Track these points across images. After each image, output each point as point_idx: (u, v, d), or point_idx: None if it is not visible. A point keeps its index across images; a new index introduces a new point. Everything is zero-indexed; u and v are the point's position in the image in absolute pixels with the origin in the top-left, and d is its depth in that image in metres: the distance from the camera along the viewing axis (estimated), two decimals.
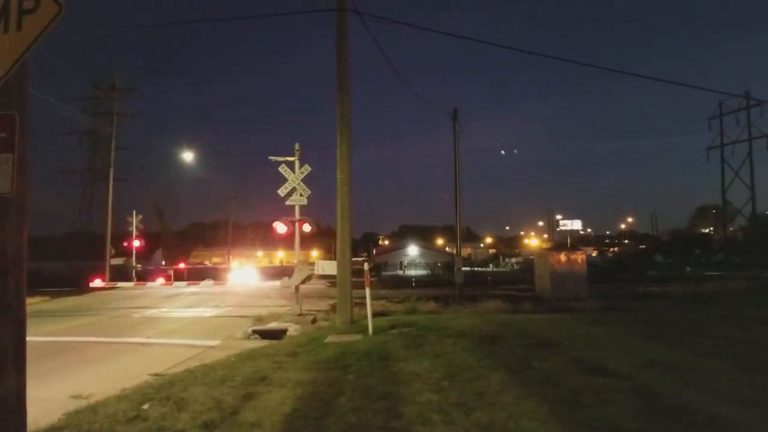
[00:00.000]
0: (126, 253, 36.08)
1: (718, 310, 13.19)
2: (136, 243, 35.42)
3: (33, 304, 18.12)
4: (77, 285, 28.69)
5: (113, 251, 33.69)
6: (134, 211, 36.07)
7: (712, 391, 5.39)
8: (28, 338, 2.93)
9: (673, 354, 7.30)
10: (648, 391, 5.36)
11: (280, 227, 14.88)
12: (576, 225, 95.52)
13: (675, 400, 5.03)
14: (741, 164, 44.58)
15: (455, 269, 21.28)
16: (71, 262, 37.77)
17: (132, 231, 35.62)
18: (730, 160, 45.32)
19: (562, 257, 19.99)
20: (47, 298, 20.98)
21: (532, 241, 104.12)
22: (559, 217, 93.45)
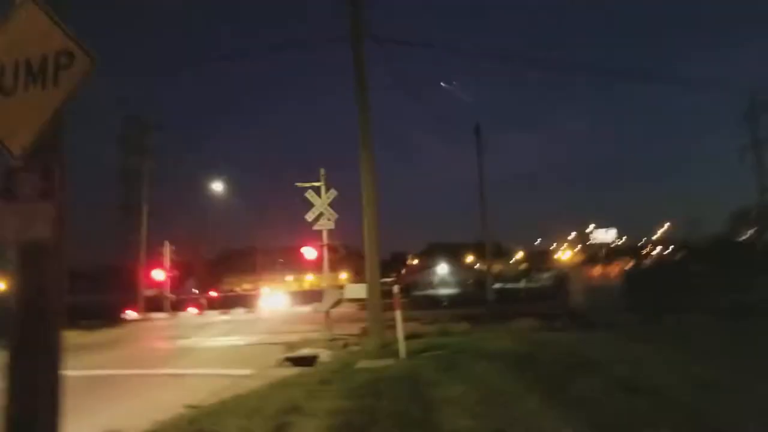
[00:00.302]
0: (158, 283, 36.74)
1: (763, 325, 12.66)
2: (160, 274, 35.81)
3: (68, 338, 18.39)
4: (111, 317, 29.29)
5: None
6: (167, 242, 36.87)
7: (759, 411, 5.16)
8: (64, 372, 3.01)
9: (715, 371, 7.02)
10: (695, 412, 5.16)
11: (309, 252, 15.03)
12: (610, 234, 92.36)
13: (720, 421, 4.83)
14: None
15: (487, 287, 21.04)
16: (106, 294, 38.69)
17: (166, 261, 36.35)
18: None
19: (596, 271, 19.59)
20: (82, 331, 21.48)
21: (565, 254, 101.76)
22: (591, 227, 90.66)
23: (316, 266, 23.35)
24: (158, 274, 36.16)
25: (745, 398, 5.63)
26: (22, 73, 2.70)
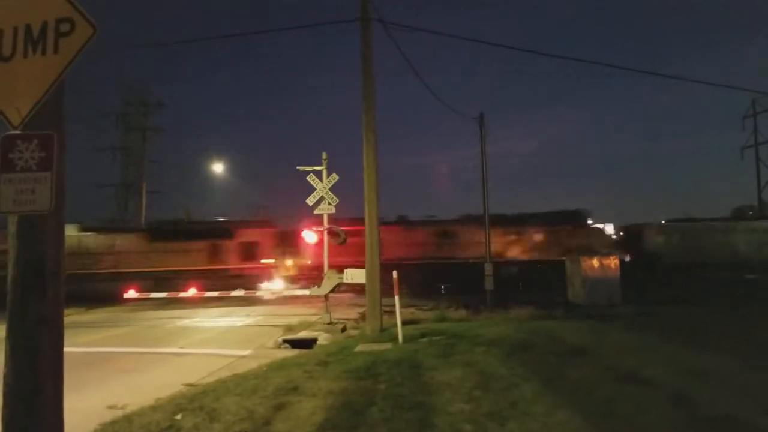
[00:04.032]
0: None
1: (756, 316, 12.70)
2: None
3: (69, 315, 18.62)
4: (112, 295, 29.34)
5: None
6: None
7: (753, 399, 5.18)
8: (64, 349, 3.01)
9: (710, 361, 7.06)
10: (685, 399, 5.19)
11: (310, 236, 15.01)
12: (608, 229, 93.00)
13: (714, 410, 4.85)
14: None
15: (485, 275, 21.04)
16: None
17: None
18: (765, 159, 43.99)
19: (595, 262, 19.55)
20: (83, 309, 21.55)
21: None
22: (590, 222, 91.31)
23: (316, 250, 23.31)
24: None
25: (737, 386, 5.66)
26: (21, 39, 2.66)
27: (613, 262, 19.61)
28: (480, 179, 22.40)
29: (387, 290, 11.27)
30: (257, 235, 27.64)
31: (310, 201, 14.62)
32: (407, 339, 9.74)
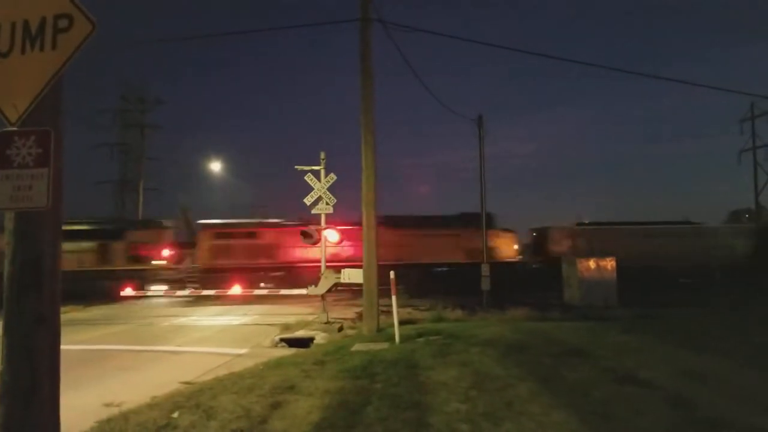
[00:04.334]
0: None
1: (755, 318, 12.74)
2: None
3: (66, 312, 18.58)
4: (109, 293, 29.29)
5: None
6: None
7: (750, 401, 5.20)
8: (61, 347, 3.01)
9: (707, 363, 7.08)
10: (683, 401, 5.20)
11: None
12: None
13: (712, 411, 4.86)
14: None
15: (482, 277, 21.07)
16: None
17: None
18: (763, 163, 44.03)
19: (591, 264, 19.61)
20: (80, 306, 21.51)
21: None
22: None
23: (313, 249, 23.26)
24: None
25: (736, 387, 5.68)
26: (19, 34, 2.65)
27: (609, 264, 19.68)
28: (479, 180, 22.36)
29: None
30: (149, 236, 27.02)
31: (308, 200, 14.59)
32: (404, 339, 9.75)
